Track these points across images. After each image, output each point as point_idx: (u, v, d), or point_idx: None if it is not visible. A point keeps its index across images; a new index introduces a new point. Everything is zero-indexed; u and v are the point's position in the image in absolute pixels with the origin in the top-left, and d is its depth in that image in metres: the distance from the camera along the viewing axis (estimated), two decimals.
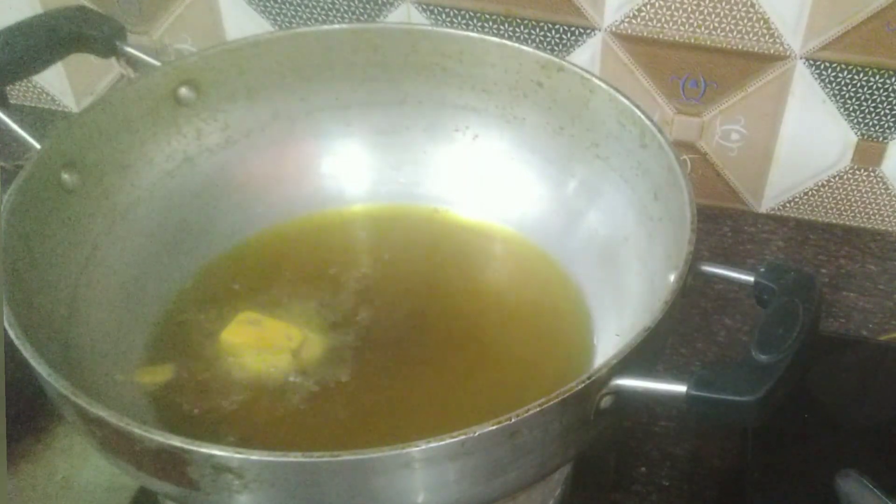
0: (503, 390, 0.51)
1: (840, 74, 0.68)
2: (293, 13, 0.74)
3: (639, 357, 0.39)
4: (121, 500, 0.52)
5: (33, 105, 0.85)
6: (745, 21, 0.67)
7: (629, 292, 0.52)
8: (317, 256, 0.58)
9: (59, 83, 0.83)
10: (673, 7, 0.67)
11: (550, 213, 0.59)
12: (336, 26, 0.58)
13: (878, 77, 0.67)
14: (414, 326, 0.54)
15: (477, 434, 0.35)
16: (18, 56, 0.53)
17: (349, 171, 0.61)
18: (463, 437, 0.35)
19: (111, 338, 0.50)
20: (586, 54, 0.71)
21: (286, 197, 0.60)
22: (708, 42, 0.68)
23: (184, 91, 0.55)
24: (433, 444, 0.35)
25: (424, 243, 0.60)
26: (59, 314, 0.47)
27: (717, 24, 0.67)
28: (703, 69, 0.70)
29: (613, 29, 0.69)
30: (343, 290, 0.55)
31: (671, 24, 0.68)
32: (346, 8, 0.73)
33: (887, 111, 0.69)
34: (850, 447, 0.55)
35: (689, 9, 0.67)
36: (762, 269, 0.44)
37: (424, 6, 0.71)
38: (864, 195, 0.75)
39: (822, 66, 0.68)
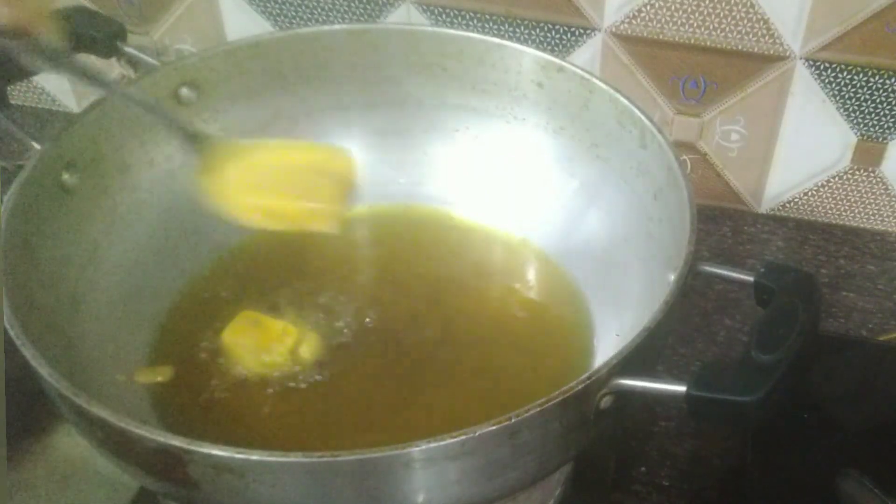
0: (503, 390, 0.51)
1: (840, 75, 0.68)
2: (293, 14, 0.74)
3: (639, 357, 0.39)
4: (121, 500, 0.52)
5: (33, 105, 0.85)
6: (745, 21, 0.67)
7: (629, 292, 0.52)
8: (317, 257, 0.58)
9: (59, 83, 0.83)
10: (673, 7, 0.67)
11: (550, 213, 0.59)
12: (336, 27, 0.58)
13: (878, 77, 0.67)
14: (414, 326, 0.54)
15: (477, 434, 0.35)
16: None
17: None
18: (463, 437, 0.35)
19: (111, 338, 0.50)
20: (586, 55, 0.71)
21: None
22: (708, 42, 0.68)
23: (184, 91, 0.55)
24: (433, 444, 0.35)
25: (424, 243, 0.61)
26: (59, 314, 0.47)
27: (717, 25, 0.67)
28: (703, 69, 0.70)
29: (613, 29, 0.69)
30: (343, 290, 0.56)
31: (671, 24, 0.68)
32: (346, 8, 0.73)
33: (887, 111, 0.69)
34: (850, 447, 0.55)
35: (689, 9, 0.67)
36: (762, 269, 0.44)
37: (424, 6, 0.71)
38: (864, 195, 0.75)
39: (822, 67, 0.68)
